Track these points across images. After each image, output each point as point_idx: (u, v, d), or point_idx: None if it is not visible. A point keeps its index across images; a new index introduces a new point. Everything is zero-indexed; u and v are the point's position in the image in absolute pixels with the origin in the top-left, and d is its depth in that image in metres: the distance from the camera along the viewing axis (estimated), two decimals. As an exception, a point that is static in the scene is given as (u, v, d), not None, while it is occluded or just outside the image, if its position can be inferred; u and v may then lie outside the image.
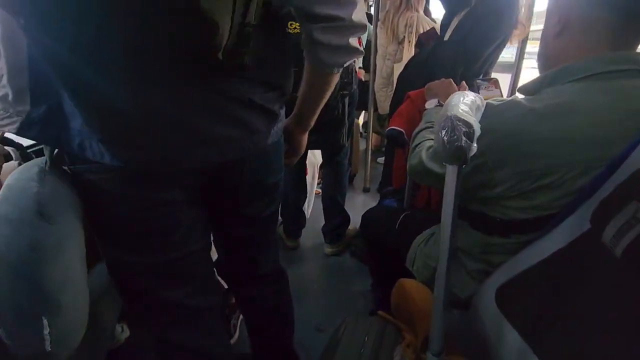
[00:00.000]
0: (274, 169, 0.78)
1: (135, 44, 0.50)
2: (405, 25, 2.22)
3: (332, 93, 1.28)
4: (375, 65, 2.28)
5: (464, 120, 0.48)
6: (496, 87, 0.98)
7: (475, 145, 0.47)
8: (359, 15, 0.61)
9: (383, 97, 2.47)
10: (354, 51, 0.65)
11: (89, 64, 0.50)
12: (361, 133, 3.07)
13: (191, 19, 0.48)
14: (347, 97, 1.35)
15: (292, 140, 0.86)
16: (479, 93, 0.96)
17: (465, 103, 0.53)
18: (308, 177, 1.95)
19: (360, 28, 0.62)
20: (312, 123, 0.83)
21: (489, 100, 0.66)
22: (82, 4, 0.46)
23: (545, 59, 0.68)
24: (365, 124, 2.78)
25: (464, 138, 0.46)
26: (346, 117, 1.36)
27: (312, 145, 1.56)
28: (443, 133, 0.48)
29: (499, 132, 0.62)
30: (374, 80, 2.31)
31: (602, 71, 0.59)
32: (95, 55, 0.50)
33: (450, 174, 0.54)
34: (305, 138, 0.88)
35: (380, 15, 2.37)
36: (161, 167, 0.60)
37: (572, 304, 0.55)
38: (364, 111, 2.88)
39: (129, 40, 0.49)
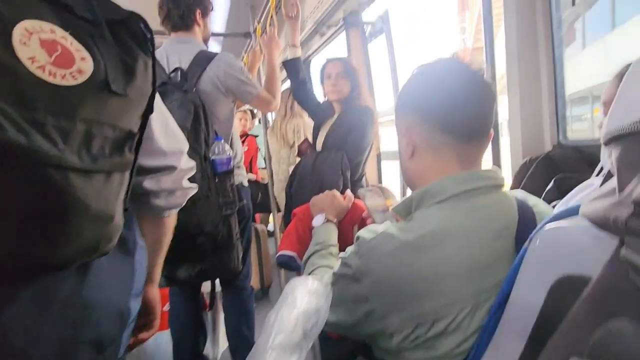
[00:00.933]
0: None
1: None
2: (293, 131, 2.33)
3: (209, 217, 1.14)
4: (271, 170, 2.29)
5: None
6: (379, 195, 0.97)
7: None
8: (184, 160, 0.64)
9: (283, 199, 2.44)
10: (188, 191, 0.67)
11: None
12: (269, 232, 2.92)
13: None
14: (233, 216, 1.21)
15: (143, 302, 0.68)
16: (365, 202, 0.93)
17: (295, 317, 0.38)
18: (210, 312, 1.65)
19: (190, 171, 0.66)
20: (160, 272, 0.72)
21: (361, 234, 0.59)
22: None
23: (407, 179, 0.67)
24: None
25: None
26: (235, 239, 1.21)
27: (202, 277, 1.34)
28: None
29: (376, 272, 0.54)
30: (272, 185, 2.28)
31: (460, 191, 0.57)
32: None
33: None
34: (157, 291, 0.73)
35: (270, 123, 2.47)
36: None
37: None
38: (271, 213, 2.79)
39: None
